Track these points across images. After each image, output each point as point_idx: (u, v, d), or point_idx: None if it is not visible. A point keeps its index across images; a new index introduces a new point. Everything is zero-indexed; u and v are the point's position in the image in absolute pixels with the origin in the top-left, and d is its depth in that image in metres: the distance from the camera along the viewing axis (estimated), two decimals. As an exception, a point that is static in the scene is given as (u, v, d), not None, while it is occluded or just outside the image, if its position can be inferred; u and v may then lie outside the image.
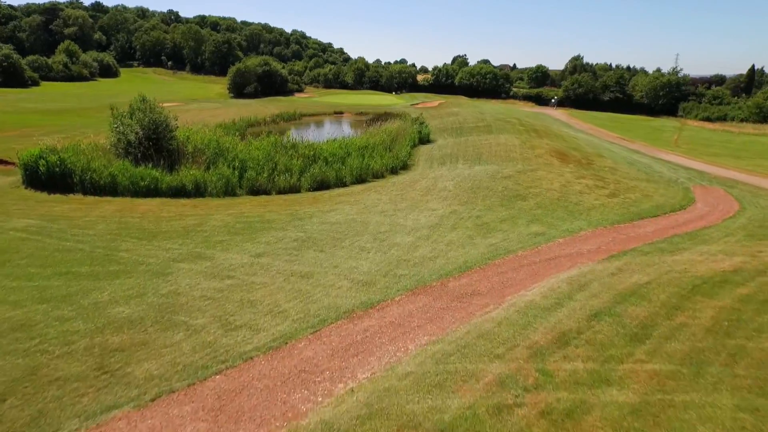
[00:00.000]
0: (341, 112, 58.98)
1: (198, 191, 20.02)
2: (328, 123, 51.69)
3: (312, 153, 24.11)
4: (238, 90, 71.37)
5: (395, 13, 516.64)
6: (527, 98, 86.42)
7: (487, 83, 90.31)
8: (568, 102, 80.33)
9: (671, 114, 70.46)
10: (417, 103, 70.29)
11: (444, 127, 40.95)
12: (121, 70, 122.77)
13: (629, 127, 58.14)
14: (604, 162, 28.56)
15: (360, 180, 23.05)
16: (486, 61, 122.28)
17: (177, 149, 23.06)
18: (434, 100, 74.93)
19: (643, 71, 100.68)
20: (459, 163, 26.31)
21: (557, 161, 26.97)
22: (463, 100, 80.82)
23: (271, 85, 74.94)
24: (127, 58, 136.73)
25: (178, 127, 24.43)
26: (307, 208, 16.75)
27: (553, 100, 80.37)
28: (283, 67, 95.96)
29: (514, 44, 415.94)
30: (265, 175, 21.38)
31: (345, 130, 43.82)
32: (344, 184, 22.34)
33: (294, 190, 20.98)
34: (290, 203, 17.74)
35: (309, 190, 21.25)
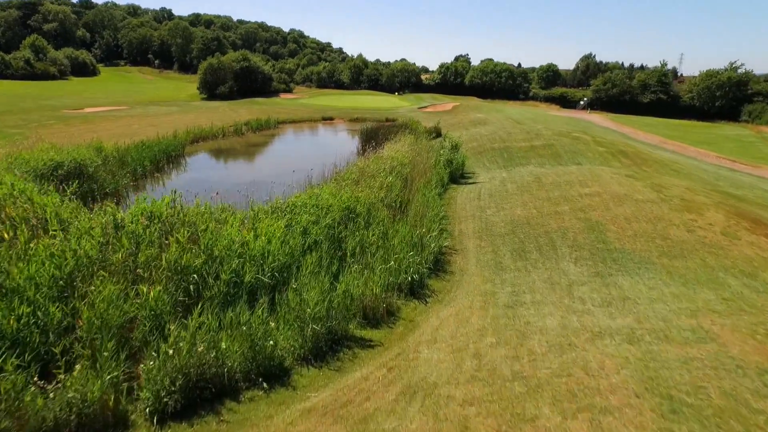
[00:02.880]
0: (331, 118, 43.22)
1: None
2: (311, 135, 35.96)
3: (210, 254, 8.44)
4: (211, 90, 55.43)
5: (395, 14, 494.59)
6: (549, 100, 70.30)
7: (502, 83, 74.11)
8: (599, 104, 64.30)
9: (730, 118, 54.38)
10: (425, 106, 54.40)
11: (479, 147, 25.24)
12: (105, 68, 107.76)
13: (697, 136, 42.36)
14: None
15: (326, 347, 7.40)
16: (490, 60, 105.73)
17: None
18: (445, 102, 59.01)
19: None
20: (565, 259, 10.72)
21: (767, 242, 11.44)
22: (476, 101, 64.93)
23: (250, 84, 58.83)
24: (113, 56, 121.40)
25: None
26: None
27: (582, 102, 64.36)
28: (272, 66, 79.92)
29: (518, 43, 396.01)
30: (21, 378, 5.78)
31: (329, 148, 28.08)
32: (274, 378, 6.77)
33: (112, 421, 5.50)
34: None
35: (156, 418, 5.73)
